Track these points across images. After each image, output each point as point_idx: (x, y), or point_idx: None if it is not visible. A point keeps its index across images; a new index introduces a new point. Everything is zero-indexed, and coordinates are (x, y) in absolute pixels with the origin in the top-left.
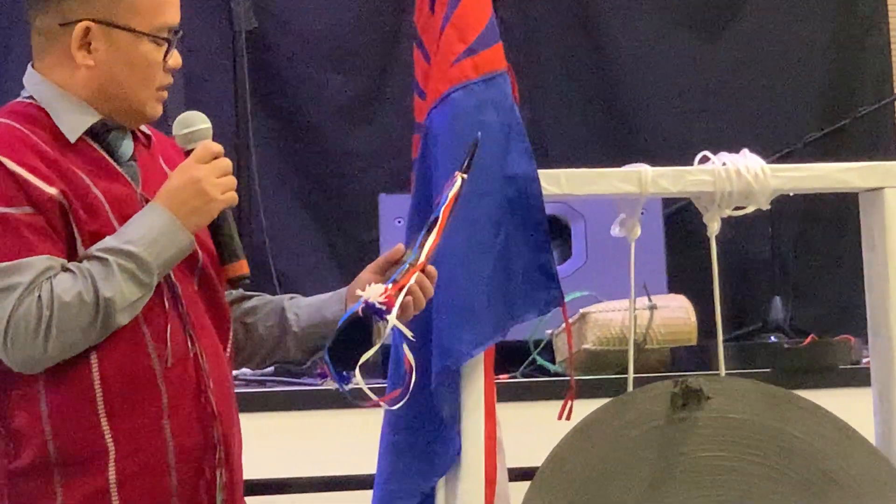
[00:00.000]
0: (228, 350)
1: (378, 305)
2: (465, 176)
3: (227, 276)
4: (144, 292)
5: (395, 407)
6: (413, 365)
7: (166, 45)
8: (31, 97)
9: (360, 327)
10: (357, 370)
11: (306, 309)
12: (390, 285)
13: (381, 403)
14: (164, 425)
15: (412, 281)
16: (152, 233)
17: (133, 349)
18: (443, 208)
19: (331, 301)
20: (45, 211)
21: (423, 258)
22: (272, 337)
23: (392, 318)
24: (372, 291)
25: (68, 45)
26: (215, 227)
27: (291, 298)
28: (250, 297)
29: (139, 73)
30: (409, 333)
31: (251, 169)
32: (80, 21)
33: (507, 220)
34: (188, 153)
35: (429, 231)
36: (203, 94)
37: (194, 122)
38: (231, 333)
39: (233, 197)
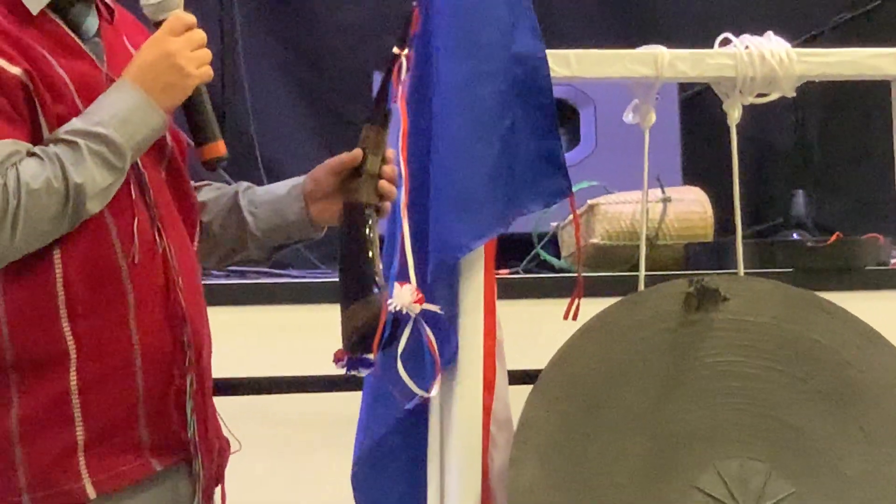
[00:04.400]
0: (197, 237)
1: (411, 313)
2: (406, 52)
3: (202, 158)
4: (117, 177)
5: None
6: (438, 358)
7: None
8: None
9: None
10: (400, 367)
11: (264, 208)
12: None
13: (426, 394)
14: (129, 326)
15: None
16: (123, 112)
17: (97, 244)
18: (393, 99)
19: (289, 199)
20: (7, 92)
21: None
22: (229, 238)
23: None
24: (403, 298)
25: None
26: (190, 105)
27: (246, 190)
28: (199, 190)
29: None
30: (438, 310)
31: (235, 44)
32: None
33: (511, 103)
34: (158, 25)
35: (379, 126)
36: None
37: None
38: (198, 226)
39: (208, 72)
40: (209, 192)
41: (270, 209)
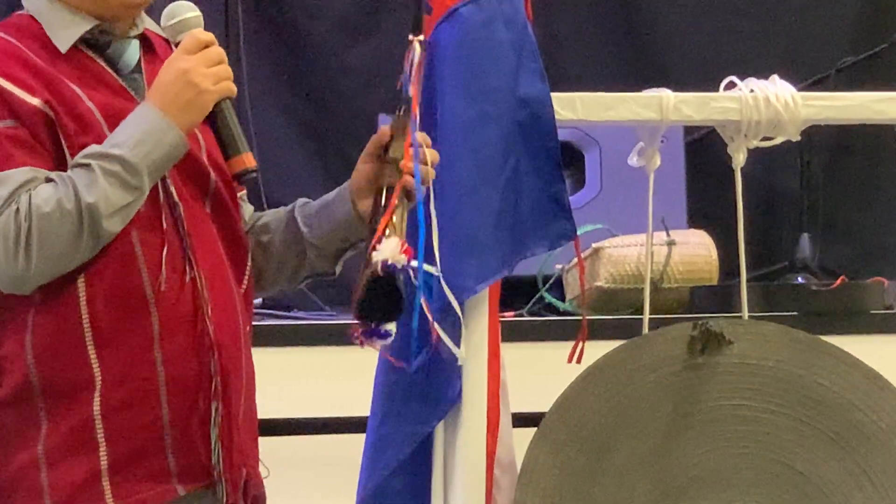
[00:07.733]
0: (246, 278)
1: (397, 263)
2: (420, 37)
3: (231, 172)
4: (135, 196)
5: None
6: (434, 323)
7: None
8: (27, 10)
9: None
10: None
11: (316, 217)
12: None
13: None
14: (154, 354)
15: (402, 196)
16: (139, 133)
17: (124, 271)
18: (410, 86)
19: (337, 201)
20: (28, 123)
21: (404, 152)
22: (292, 254)
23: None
24: (387, 250)
25: None
26: (213, 121)
27: (302, 205)
28: (262, 215)
29: None
30: (436, 271)
31: (241, 85)
32: None
33: (516, 146)
34: (178, 45)
35: (403, 111)
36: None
37: (180, 11)
38: (249, 262)
39: (228, 87)
40: (270, 215)
41: (322, 217)
